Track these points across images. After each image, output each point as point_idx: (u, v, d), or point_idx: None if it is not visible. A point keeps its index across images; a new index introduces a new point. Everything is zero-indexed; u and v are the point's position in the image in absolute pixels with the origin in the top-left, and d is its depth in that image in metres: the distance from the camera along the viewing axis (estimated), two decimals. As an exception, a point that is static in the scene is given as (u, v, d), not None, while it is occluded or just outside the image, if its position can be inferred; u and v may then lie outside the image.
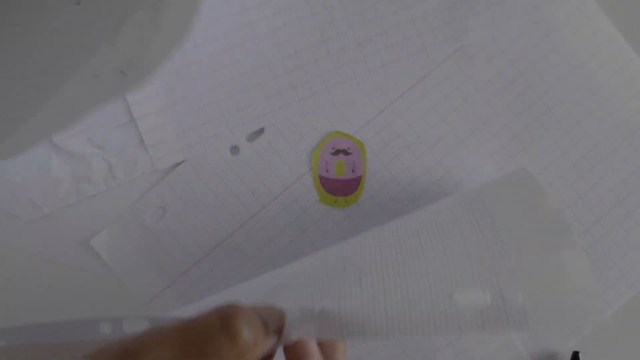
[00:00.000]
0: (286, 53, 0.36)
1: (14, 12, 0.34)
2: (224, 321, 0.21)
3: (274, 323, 0.23)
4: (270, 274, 0.30)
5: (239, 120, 0.36)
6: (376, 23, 0.36)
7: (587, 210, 0.36)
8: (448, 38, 0.36)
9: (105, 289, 0.36)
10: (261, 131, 0.36)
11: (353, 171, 0.36)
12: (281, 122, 0.36)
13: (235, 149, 0.36)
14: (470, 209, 0.28)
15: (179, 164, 0.36)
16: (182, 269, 0.36)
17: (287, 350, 0.25)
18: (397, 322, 0.24)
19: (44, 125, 0.33)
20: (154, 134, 0.36)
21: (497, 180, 0.31)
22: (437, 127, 0.36)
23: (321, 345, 0.26)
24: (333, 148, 0.36)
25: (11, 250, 0.36)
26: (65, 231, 0.36)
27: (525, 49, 0.36)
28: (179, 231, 0.36)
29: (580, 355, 0.35)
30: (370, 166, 0.36)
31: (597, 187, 0.36)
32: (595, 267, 0.36)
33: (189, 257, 0.36)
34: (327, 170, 0.36)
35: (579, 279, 0.25)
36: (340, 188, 0.36)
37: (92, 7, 0.32)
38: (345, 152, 0.36)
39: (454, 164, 0.36)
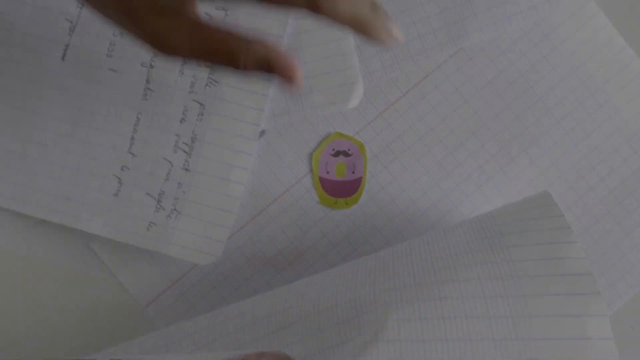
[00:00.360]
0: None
1: None
2: None
3: None
4: (272, 301, 0.29)
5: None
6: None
7: (586, 211, 0.36)
8: (448, 40, 0.36)
9: (106, 291, 0.36)
10: (261, 133, 0.36)
11: (353, 172, 0.36)
12: (282, 123, 0.36)
13: (235, 151, 0.36)
14: (495, 260, 0.26)
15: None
16: (183, 270, 0.36)
17: None
18: None
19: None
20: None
21: (518, 210, 0.29)
22: (438, 128, 0.36)
23: None
24: (333, 149, 0.36)
25: (12, 253, 0.36)
26: (66, 234, 0.36)
27: (525, 49, 0.36)
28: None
29: None
30: (371, 167, 0.36)
31: (597, 187, 0.36)
32: (594, 267, 0.36)
33: (190, 258, 0.36)
34: (328, 172, 0.36)
35: (603, 353, 0.23)
36: (341, 189, 0.36)
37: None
38: (346, 154, 0.36)
39: (454, 165, 0.36)
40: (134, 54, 0.34)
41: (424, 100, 0.36)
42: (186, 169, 0.34)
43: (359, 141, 0.36)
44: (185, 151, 0.35)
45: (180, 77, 0.34)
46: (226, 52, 0.25)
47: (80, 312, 0.36)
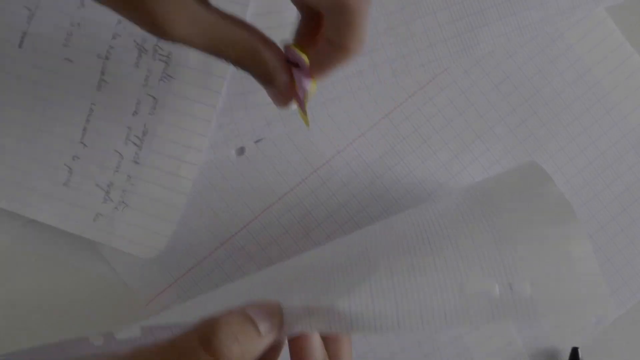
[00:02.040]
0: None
1: None
2: (203, 339, 0.21)
3: (269, 320, 0.24)
4: (277, 267, 0.30)
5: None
6: (389, 34, 0.35)
7: (591, 217, 0.36)
8: (459, 49, 0.35)
9: (107, 288, 0.36)
10: (240, 150, 0.36)
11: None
12: (290, 123, 0.36)
13: (241, 150, 0.36)
14: (478, 201, 0.28)
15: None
16: (185, 268, 0.36)
17: (290, 343, 0.25)
18: (407, 316, 0.24)
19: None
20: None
21: (505, 172, 0.31)
22: (443, 131, 0.36)
23: (326, 340, 0.26)
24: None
25: (14, 251, 0.36)
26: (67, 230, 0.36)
27: (532, 54, 0.36)
28: (182, 230, 0.36)
29: (580, 350, 0.35)
30: (376, 169, 0.36)
31: (602, 194, 0.36)
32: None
33: (192, 256, 0.36)
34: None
35: (586, 270, 0.25)
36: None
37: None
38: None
39: (459, 168, 0.36)
40: (90, 44, 0.35)
41: (430, 102, 0.36)
42: (136, 162, 0.35)
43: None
44: (136, 144, 0.35)
45: (135, 70, 0.35)
46: (242, 49, 0.25)
47: (81, 310, 0.36)
